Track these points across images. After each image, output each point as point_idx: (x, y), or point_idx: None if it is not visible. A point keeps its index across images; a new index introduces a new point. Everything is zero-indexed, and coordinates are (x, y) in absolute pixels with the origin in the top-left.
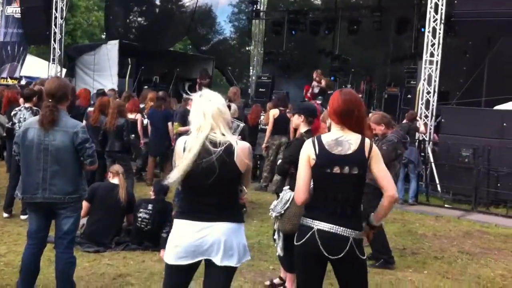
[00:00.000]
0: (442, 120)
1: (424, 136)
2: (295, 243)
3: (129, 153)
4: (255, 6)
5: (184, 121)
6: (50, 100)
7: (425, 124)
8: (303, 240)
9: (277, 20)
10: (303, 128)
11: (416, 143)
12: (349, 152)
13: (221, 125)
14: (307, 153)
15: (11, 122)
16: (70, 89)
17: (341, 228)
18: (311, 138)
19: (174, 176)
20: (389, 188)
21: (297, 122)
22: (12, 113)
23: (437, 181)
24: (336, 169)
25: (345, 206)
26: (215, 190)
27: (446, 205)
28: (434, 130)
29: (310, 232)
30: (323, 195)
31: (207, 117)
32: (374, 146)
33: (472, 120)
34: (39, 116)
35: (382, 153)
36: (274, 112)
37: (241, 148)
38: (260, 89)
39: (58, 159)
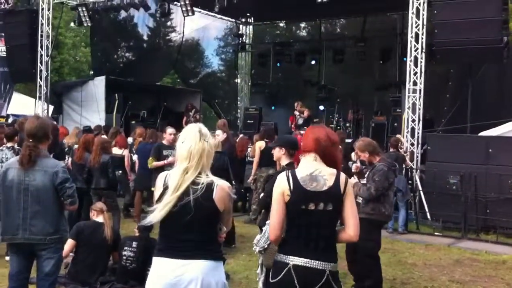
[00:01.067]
0: (428, 147)
1: (411, 164)
2: (270, 280)
3: (115, 190)
4: (240, 39)
5: (159, 155)
6: (30, 140)
7: (412, 152)
8: (279, 277)
9: (263, 52)
10: (284, 161)
11: (404, 171)
12: (325, 188)
13: (209, 167)
14: (282, 189)
15: None
16: (50, 129)
17: (317, 261)
18: (285, 173)
19: (155, 216)
20: (353, 229)
21: (278, 155)
22: None
23: (426, 209)
24: (311, 206)
25: (319, 240)
26: (193, 228)
27: (436, 233)
28: (420, 158)
29: (286, 269)
30: (298, 230)
31: (197, 159)
32: (349, 181)
33: (458, 146)
34: (19, 156)
35: (376, 185)
36: (260, 144)
37: (221, 187)
38: (248, 121)
39: (38, 199)
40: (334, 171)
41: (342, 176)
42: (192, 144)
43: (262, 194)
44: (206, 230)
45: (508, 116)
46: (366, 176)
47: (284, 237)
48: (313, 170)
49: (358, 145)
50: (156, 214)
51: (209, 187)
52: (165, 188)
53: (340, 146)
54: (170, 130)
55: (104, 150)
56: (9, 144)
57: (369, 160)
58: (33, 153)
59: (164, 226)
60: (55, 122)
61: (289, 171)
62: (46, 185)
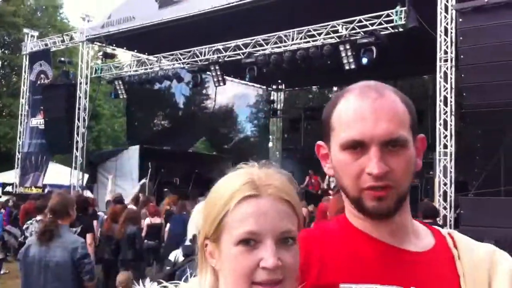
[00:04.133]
0: (461, 211)
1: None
2: None
3: (143, 261)
4: (272, 105)
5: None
6: (50, 216)
7: (444, 216)
8: None
9: (294, 117)
10: None
11: None
12: None
13: None
14: None
15: (23, 236)
16: (71, 205)
17: None
18: None
19: None
20: None
21: None
22: (25, 226)
23: None
24: None
25: None
26: None
27: None
28: (454, 222)
29: None
30: None
31: None
32: None
33: (493, 210)
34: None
35: None
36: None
37: None
38: None
39: (58, 276)
40: None
41: None
42: None
43: None
44: None
45: None
46: None
47: None
48: None
49: None
50: None
51: None
52: None
53: None
54: None
55: (132, 221)
56: (38, 217)
57: None
58: (50, 228)
59: None
60: (89, 193)
61: None
62: (66, 261)
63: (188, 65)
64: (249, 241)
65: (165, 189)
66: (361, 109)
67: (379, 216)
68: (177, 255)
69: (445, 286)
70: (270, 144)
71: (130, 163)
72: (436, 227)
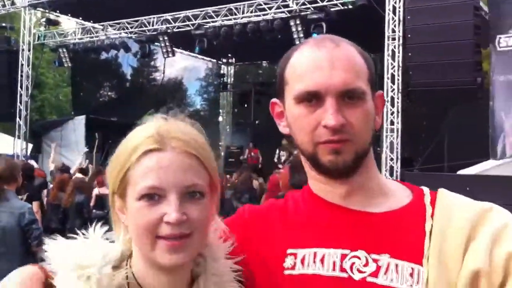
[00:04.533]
0: None
1: None
2: None
3: None
4: (222, 79)
5: None
6: None
7: None
8: None
9: (244, 92)
10: None
11: None
12: None
13: None
14: None
15: None
16: (17, 170)
17: None
18: None
19: None
20: None
21: None
22: None
23: None
24: None
25: None
26: None
27: None
28: None
29: None
30: None
31: None
32: None
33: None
34: None
35: None
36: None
37: None
38: (230, 159)
39: (4, 241)
40: None
41: None
42: None
43: None
44: None
45: (483, 155)
46: None
47: None
48: None
49: None
50: None
51: None
52: None
53: None
54: None
55: (79, 190)
56: None
57: None
58: None
59: None
60: (34, 162)
61: None
62: (13, 226)
63: (136, 35)
64: (153, 196)
65: None
66: (316, 59)
67: (336, 173)
68: None
69: (405, 247)
70: (220, 118)
71: (76, 133)
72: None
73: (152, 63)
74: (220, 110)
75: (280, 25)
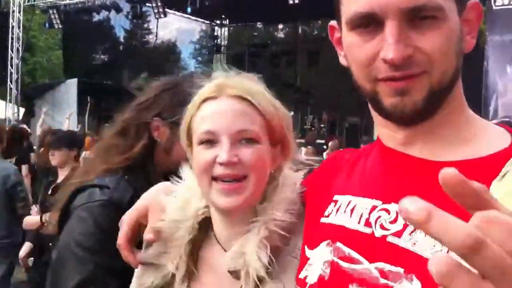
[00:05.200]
0: None
1: None
2: None
3: None
4: (216, 41)
5: None
6: None
7: None
8: None
9: (238, 53)
10: None
11: None
12: None
13: None
14: None
15: None
16: (2, 130)
17: None
18: None
19: None
20: None
21: None
22: None
23: None
24: None
25: None
26: None
27: None
28: None
29: None
30: None
31: None
32: None
33: None
34: None
35: None
36: None
37: None
38: None
39: None
40: None
41: None
42: None
43: None
44: None
45: None
46: None
47: None
48: None
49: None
50: None
51: None
52: None
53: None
54: None
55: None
56: None
57: None
58: None
59: None
60: (24, 126)
61: None
62: None
63: None
64: (210, 140)
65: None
66: None
67: (402, 120)
68: None
69: (452, 206)
70: None
71: (67, 97)
72: None
73: (146, 25)
74: None
75: None
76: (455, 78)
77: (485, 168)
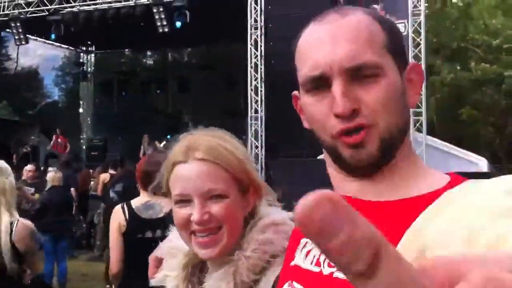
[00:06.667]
0: (271, 173)
1: None
2: None
3: None
4: (82, 68)
5: None
6: None
7: None
8: None
9: (106, 81)
10: None
11: None
12: (161, 215)
13: (12, 205)
14: (118, 221)
15: None
16: None
17: None
18: (120, 205)
19: None
20: None
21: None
22: None
23: None
24: (148, 234)
25: None
26: None
27: None
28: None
29: None
30: (136, 261)
31: None
32: None
33: (297, 170)
34: None
35: None
36: (103, 178)
37: (22, 227)
38: (92, 153)
39: None
40: None
41: None
42: None
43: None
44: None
45: None
46: None
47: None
48: (148, 199)
49: None
50: None
51: (7, 228)
52: None
53: None
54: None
55: None
56: None
57: None
58: None
59: None
60: None
61: (125, 202)
62: None
63: None
64: (183, 201)
65: None
66: (317, 36)
67: (361, 170)
68: None
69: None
70: (81, 110)
71: None
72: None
73: (4, 51)
74: (81, 101)
75: (143, 12)
76: (404, 129)
77: (399, 209)
